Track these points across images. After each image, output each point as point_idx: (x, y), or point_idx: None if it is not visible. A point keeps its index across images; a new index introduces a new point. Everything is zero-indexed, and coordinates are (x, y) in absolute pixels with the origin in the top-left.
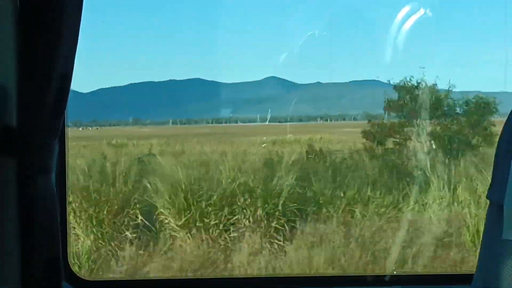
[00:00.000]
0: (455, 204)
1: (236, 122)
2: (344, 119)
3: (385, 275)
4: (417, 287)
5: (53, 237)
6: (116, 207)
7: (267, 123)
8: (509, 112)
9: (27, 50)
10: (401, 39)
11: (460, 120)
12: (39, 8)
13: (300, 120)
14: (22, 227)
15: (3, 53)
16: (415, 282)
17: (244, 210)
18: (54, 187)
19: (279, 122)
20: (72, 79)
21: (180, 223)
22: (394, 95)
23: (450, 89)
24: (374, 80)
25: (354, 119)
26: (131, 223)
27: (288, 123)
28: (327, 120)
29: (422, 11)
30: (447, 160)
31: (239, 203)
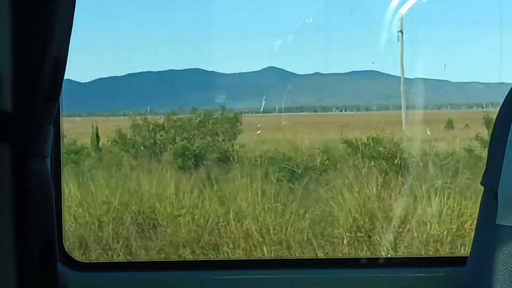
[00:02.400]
0: None
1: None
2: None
3: (378, 258)
4: (411, 270)
5: (48, 221)
6: None
7: (261, 112)
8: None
9: (20, 34)
10: (396, 28)
11: None
12: None
13: (302, 111)
14: (17, 211)
15: None
16: (409, 265)
17: None
18: (49, 172)
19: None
20: (67, 64)
21: None
22: (394, 86)
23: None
24: (373, 71)
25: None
26: None
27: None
28: (342, 111)
29: None
30: None
31: None
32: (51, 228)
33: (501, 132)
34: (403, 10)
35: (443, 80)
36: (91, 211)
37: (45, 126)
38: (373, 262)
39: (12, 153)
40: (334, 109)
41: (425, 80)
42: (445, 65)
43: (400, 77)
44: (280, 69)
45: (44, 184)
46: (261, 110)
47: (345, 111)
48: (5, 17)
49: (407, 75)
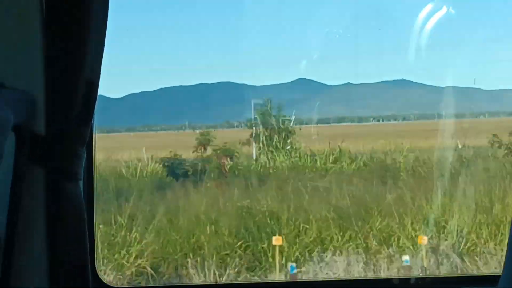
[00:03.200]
0: None
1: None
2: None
3: (410, 278)
4: None
5: (81, 244)
6: None
7: (291, 125)
8: None
9: (54, 58)
10: (425, 37)
11: None
12: (65, 17)
13: (332, 122)
14: (50, 233)
15: (31, 62)
16: (440, 284)
17: None
18: (82, 194)
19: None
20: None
21: None
22: (426, 96)
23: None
24: (404, 80)
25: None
26: None
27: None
28: (379, 120)
29: (445, 9)
30: None
31: None
32: (84, 251)
33: None
34: (433, 19)
35: (476, 88)
36: None
37: (78, 148)
38: (405, 282)
39: (45, 175)
40: (371, 119)
41: (457, 88)
42: (475, 78)
43: (432, 86)
44: (310, 80)
45: (77, 206)
46: (291, 123)
47: (382, 121)
48: (38, 42)
49: (440, 84)
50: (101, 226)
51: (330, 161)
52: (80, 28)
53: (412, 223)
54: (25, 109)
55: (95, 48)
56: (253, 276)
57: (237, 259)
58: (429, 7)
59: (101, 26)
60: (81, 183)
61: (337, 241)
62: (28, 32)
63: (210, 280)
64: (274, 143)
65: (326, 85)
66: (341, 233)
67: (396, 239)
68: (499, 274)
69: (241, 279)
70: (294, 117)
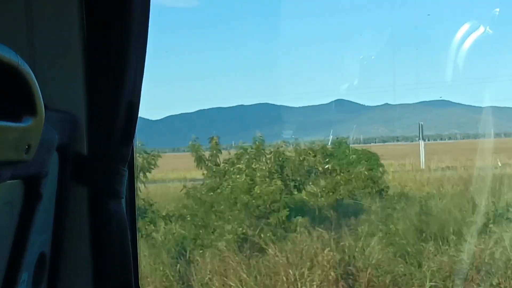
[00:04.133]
0: None
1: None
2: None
3: None
4: None
5: (124, 262)
6: None
7: (329, 144)
8: None
9: (95, 79)
10: (462, 57)
11: None
12: (105, 38)
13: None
14: (94, 252)
15: (73, 83)
16: None
17: None
18: (125, 213)
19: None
20: (140, 107)
21: None
22: (466, 115)
23: None
24: (443, 100)
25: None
26: None
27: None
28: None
29: (482, 28)
30: None
31: None
32: (128, 270)
33: None
34: (469, 40)
35: None
36: None
37: (119, 167)
38: None
39: (88, 194)
40: (416, 139)
41: (497, 108)
42: None
43: (469, 105)
44: (348, 101)
45: (120, 224)
46: (329, 143)
47: (428, 140)
48: (79, 64)
49: (478, 104)
50: None
51: None
52: (120, 49)
53: None
54: (68, 129)
55: (135, 69)
56: None
57: None
58: (466, 26)
59: (141, 47)
60: (123, 201)
61: None
62: (70, 54)
63: None
64: None
65: (364, 105)
66: None
67: None
68: None
69: None
70: (331, 137)
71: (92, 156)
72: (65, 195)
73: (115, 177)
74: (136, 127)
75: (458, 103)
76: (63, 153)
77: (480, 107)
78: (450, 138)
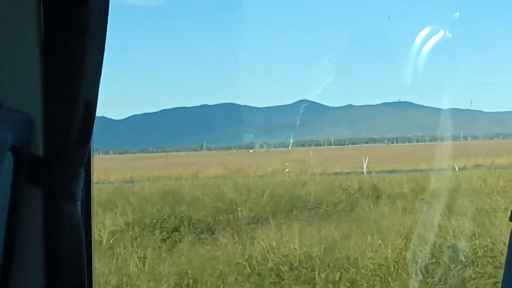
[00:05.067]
0: None
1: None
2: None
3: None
4: None
5: (78, 266)
6: None
7: (289, 147)
8: None
9: (51, 79)
10: (422, 60)
11: None
12: (62, 38)
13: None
14: (47, 255)
15: (28, 82)
16: None
17: None
18: (80, 215)
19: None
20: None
21: None
22: (428, 117)
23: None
24: (405, 102)
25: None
26: None
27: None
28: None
29: (441, 32)
30: None
31: None
32: (81, 274)
33: None
34: (429, 44)
35: (477, 111)
36: None
37: (76, 169)
38: None
39: (43, 196)
40: (386, 141)
41: (459, 110)
42: (471, 100)
43: (433, 107)
44: (312, 101)
45: (75, 227)
46: (290, 146)
47: (397, 142)
48: (35, 61)
49: (440, 106)
50: None
51: None
52: (77, 48)
53: None
54: (23, 129)
55: (93, 68)
56: None
57: None
58: (426, 30)
59: (100, 46)
60: (79, 203)
61: None
62: (26, 52)
63: None
64: None
65: (328, 106)
66: None
67: None
68: None
69: None
70: (292, 141)
71: (48, 157)
72: (19, 196)
73: (71, 179)
74: (93, 128)
75: (421, 105)
76: (18, 154)
77: (441, 109)
78: (417, 141)
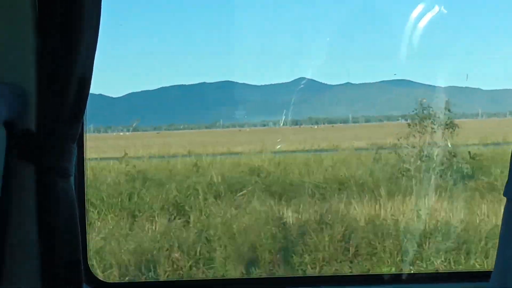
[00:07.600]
0: None
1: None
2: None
3: (402, 274)
4: (435, 285)
5: (73, 240)
6: None
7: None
8: None
9: (46, 53)
10: (417, 37)
11: None
12: (57, 12)
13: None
14: (42, 230)
15: (22, 57)
16: (432, 280)
17: None
18: (74, 191)
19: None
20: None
21: None
22: (428, 95)
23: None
24: (404, 80)
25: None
26: None
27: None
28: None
29: (437, 8)
30: None
31: None
32: (76, 247)
33: None
34: (424, 20)
35: (476, 88)
36: None
37: (69, 145)
38: (397, 278)
39: (36, 172)
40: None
41: (458, 88)
42: (467, 75)
43: (432, 85)
44: (310, 79)
45: (68, 202)
46: (281, 123)
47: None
48: (30, 38)
49: (438, 83)
50: None
51: None
52: (72, 23)
53: None
54: (16, 104)
55: (88, 44)
56: None
57: None
58: (420, 7)
59: (94, 21)
60: (72, 179)
61: None
62: (21, 26)
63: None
64: None
65: (326, 84)
66: None
67: None
68: (491, 270)
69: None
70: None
71: (41, 133)
72: (12, 172)
73: (64, 155)
74: (87, 103)
75: (421, 83)
76: (11, 129)
77: (441, 87)
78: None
